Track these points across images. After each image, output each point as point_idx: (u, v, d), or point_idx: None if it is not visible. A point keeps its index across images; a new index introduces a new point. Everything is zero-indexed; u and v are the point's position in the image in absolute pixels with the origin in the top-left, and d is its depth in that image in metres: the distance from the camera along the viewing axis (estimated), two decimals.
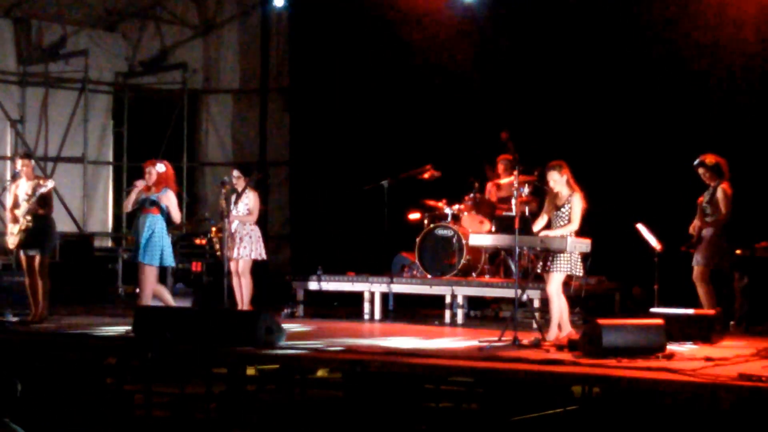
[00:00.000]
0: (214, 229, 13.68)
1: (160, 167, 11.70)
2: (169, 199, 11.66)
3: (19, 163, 12.48)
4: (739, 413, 8.09)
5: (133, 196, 11.59)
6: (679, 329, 10.37)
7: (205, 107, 18.39)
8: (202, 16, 18.23)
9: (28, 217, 12.09)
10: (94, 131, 17.81)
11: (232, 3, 18.12)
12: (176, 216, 11.80)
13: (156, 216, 11.59)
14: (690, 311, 10.84)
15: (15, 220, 12.19)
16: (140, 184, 11.59)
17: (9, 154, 16.82)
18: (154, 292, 11.67)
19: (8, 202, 12.53)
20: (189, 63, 18.15)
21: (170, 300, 11.77)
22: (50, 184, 12.27)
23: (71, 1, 17.41)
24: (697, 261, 11.47)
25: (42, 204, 12.12)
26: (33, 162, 12.78)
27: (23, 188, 12.28)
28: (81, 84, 17.31)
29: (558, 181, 10.48)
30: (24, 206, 12.12)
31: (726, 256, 11.60)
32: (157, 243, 11.52)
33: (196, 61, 18.24)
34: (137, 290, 12.09)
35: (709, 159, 11.54)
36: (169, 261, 11.80)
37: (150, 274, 11.59)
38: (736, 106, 13.49)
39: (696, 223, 11.58)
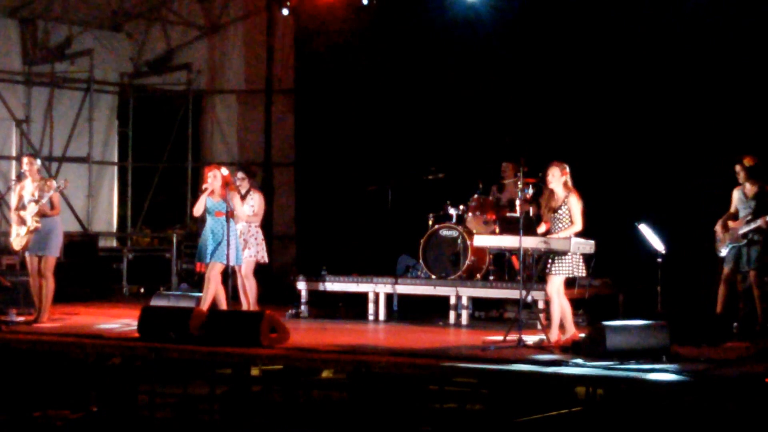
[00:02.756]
0: None
1: (224, 171, 11.75)
2: (236, 202, 11.68)
3: (24, 161, 12.51)
4: (743, 415, 8.09)
5: (203, 201, 11.60)
6: (682, 330, 10.36)
7: (210, 108, 18.40)
8: (207, 17, 18.24)
9: (37, 218, 12.13)
10: (99, 131, 17.84)
11: (238, 4, 18.14)
12: (242, 215, 11.81)
13: (230, 219, 11.61)
14: (694, 313, 10.84)
15: (21, 221, 12.21)
16: (210, 187, 11.60)
17: (14, 153, 16.85)
18: (216, 292, 11.62)
19: (12, 202, 12.54)
20: (194, 63, 18.17)
21: (224, 304, 11.66)
22: (55, 184, 12.31)
23: (77, 1, 17.43)
24: (753, 265, 11.43)
25: (51, 206, 12.21)
26: (39, 162, 12.79)
27: (28, 189, 12.31)
28: (86, 84, 17.33)
29: (556, 178, 10.51)
30: (32, 207, 12.14)
31: None
32: (233, 244, 11.52)
33: (202, 61, 18.26)
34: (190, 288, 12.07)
35: (748, 160, 11.63)
36: (241, 260, 11.81)
37: (218, 273, 11.56)
38: (739, 107, 13.48)
39: (736, 223, 11.54)
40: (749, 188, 11.61)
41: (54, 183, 12.51)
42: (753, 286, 11.45)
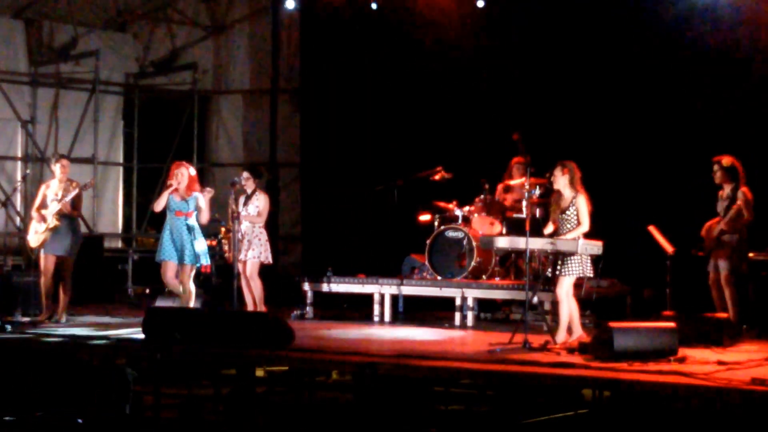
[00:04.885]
0: (223, 230, 13.68)
1: (191, 170, 11.70)
2: (202, 202, 11.63)
3: (57, 167, 12.46)
4: (751, 417, 8.04)
5: (165, 198, 11.57)
6: (691, 332, 10.32)
7: (216, 108, 18.39)
8: (212, 17, 18.23)
9: (57, 217, 12.14)
10: (105, 132, 17.82)
11: (243, 3, 18.12)
12: (206, 217, 11.74)
13: (191, 219, 11.57)
14: (703, 314, 10.81)
15: (42, 219, 12.22)
16: (174, 184, 11.56)
17: (20, 154, 16.86)
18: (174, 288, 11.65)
19: (37, 201, 12.53)
20: (199, 64, 18.16)
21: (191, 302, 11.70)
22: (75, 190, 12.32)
23: (82, 2, 17.43)
24: (723, 266, 11.38)
25: (74, 206, 12.22)
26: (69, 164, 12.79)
27: (53, 189, 12.33)
28: (91, 85, 17.31)
29: (559, 179, 10.48)
30: (54, 206, 12.16)
31: (747, 260, 11.58)
32: (197, 245, 11.49)
33: (207, 61, 18.25)
34: (166, 290, 12.11)
35: (726, 160, 11.49)
36: (207, 260, 11.79)
37: (190, 273, 11.57)
38: (747, 108, 13.43)
39: (715, 226, 11.48)
40: (725, 189, 11.51)
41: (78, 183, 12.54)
42: (724, 286, 11.39)
